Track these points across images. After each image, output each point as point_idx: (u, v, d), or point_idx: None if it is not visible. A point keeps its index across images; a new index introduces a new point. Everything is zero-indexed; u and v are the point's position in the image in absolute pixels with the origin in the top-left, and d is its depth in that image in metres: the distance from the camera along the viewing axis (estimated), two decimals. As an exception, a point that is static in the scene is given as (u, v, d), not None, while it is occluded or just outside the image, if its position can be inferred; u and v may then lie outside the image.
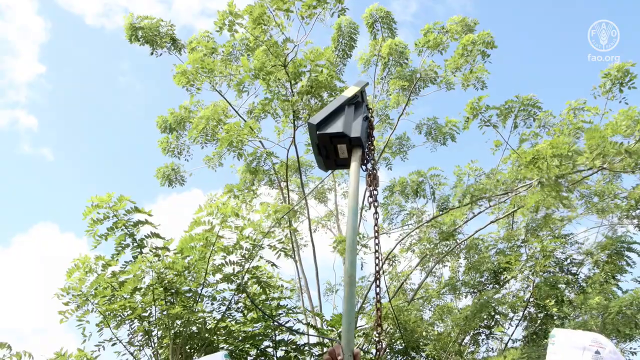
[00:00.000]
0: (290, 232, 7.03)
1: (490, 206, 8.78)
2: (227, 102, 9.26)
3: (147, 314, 5.41)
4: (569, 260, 9.28)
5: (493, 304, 7.23)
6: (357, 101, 2.45)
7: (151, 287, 5.17)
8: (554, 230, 9.33)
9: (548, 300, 7.59)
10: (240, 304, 5.34)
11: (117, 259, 5.31)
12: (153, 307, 5.26)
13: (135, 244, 5.22)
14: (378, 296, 3.02)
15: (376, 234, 3.08)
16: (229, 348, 5.24)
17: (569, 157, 6.23)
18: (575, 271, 9.28)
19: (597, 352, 2.02)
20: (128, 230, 5.15)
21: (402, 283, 8.73)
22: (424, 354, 6.98)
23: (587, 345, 2.04)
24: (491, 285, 8.17)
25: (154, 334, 5.49)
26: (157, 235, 5.12)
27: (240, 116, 9.31)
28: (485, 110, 8.62)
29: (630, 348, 10.10)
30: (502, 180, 7.95)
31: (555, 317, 8.14)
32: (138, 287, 5.24)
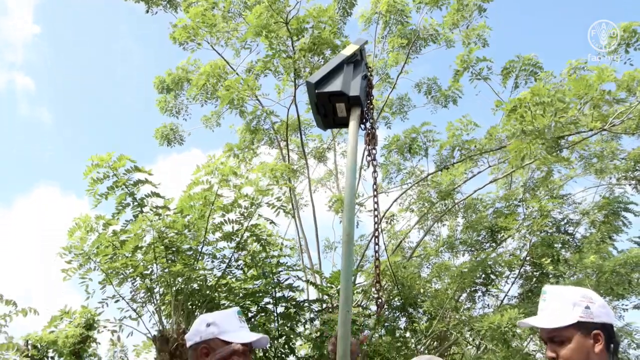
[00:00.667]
0: (289, 191, 7.06)
1: (489, 166, 8.77)
2: (225, 61, 9.13)
3: (148, 272, 5.50)
4: (565, 220, 9.35)
5: (490, 263, 7.32)
6: (357, 60, 2.42)
7: (152, 246, 5.23)
8: (552, 190, 9.37)
9: (544, 259, 7.68)
10: (240, 262, 5.41)
11: (118, 218, 5.35)
12: (154, 265, 5.34)
13: (136, 203, 5.24)
14: (377, 254, 3.06)
15: (375, 193, 3.10)
16: (230, 305, 5.34)
17: (551, 104, 6.12)
18: (571, 231, 9.36)
19: (587, 307, 2.05)
20: (128, 190, 5.16)
21: (401, 241, 8.80)
22: (421, 310, 7.12)
23: (577, 300, 2.06)
24: (488, 244, 8.26)
25: (155, 291, 5.59)
26: (157, 195, 5.14)
27: (239, 75, 9.20)
28: (476, 63, 8.49)
29: (623, 305, 10.33)
30: (494, 135, 7.86)
31: (550, 276, 8.26)
32: (139, 245, 5.31)
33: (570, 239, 9.19)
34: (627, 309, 10.46)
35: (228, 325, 2.20)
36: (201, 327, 2.16)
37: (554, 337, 2.05)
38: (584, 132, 7.13)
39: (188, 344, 2.17)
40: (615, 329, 2.12)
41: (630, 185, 9.58)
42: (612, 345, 2.04)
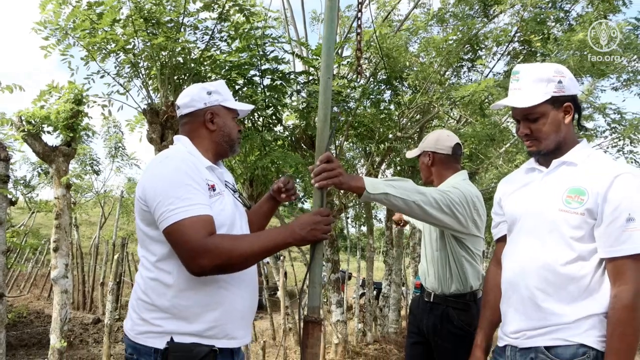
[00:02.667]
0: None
1: None
2: None
3: (131, 46, 5.37)
4: (563, -4, 8.94)
5: (480, 37, 7.19)
6: None
7: (130, 19, 5.02)
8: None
9: (534, 36, 7.56)
10: (223, 34, 5.26)
11: (90, -11, 5.03)
12: (135, 39, 5.19)
13: (105, -29, 4.87)
14: (359, 19, 2.99)
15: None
16: (216, 77, 5.35)
17: None
18: (568, 8, 9.03)
19: (560, 82, 2.09)
20: (95, -46, 4.75)
21: (389, 13, 8.46)
22: (406, 84, 7.21)
23: (551, 76, 2.09)
24: (480, 19, 8.01)
25: (140, 65, 5.54)
26: (128, -42, 4.75)
27: None
28: None
29: (601, 86, 10.55)
30: None
31: (538, 54, 8.22)
32: (117, 18, 5.09)
33: (564, 17, 8.92)
34: (605, 90, 10.71)
35: (227, 94, 2.30)
36: (202, 94, 2.22)
37: (528, 115, 2.14)
38: None
39: (187, 110, 2.24)
40: (581, 101, 2.20)
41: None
42: (577, 115, 2.15)
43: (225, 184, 2.24)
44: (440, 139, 3.19)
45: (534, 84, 2.10)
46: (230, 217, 2.08)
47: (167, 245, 1.95)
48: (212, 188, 2.05)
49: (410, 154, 3.34)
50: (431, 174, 3.19)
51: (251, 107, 2.41)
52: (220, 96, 2.25)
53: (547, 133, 2.11)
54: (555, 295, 2.01)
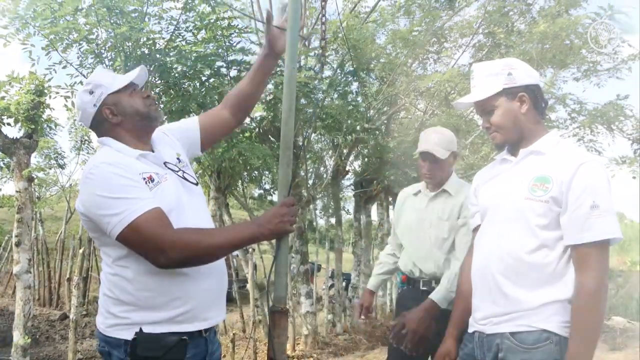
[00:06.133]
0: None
1: None
2: None
3: (94, 36, 5.27)
4: (527, -11, 9.10)
5: (445, 30, 7.29)
6: None
7: (93, 8, 4.92)
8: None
9: (497, 28, 7.70)
10: (189, 24, 5.19)
11: (49, -23, 4.90)
12: (98, 28, 5.10)
13: (66, -41, 4.76)
14: (323, 2, 3.00)
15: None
16: (183, 69, 5.28)
17: None
18: (530, 1, 9.22)
19: (510, 74, 2.16)
20: (53, -58, 4.63)
21: (356, 5, 8.47)
22: (373, 75, 7.25)
23: (499, 70, 2.16)
24: (445, 12, 8.12)
25: (104, 56, 5.44)
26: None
27: None
28: None
29: (563, 77, 10.81)
30: None
31: (502, 46, 8.38)
32: (79, 7, 4.98)
33: (527, 10, 9.10)
34: (566, 81, 10.99)
35: (107, 79, 2.10)
36: (86, 98, 2.06)
37: (485, 109, 2.22)
38: None
39: (88, 123, 2.09)
40: (542, 89, 2.28)
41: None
42: (539, 103, 2.21)
43: (165, 165, 2.11)
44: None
45: (485, 79, 2.19)
46: (173, 204, 1.99)
47: (120, 247, 1.91)
48: (150, 179, 1.96)
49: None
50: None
51: (137, 69, 2.12)
52: (102, 87, 2.06)
53: (504, 124, 2.17)
54: (519, 282, 2.05)
